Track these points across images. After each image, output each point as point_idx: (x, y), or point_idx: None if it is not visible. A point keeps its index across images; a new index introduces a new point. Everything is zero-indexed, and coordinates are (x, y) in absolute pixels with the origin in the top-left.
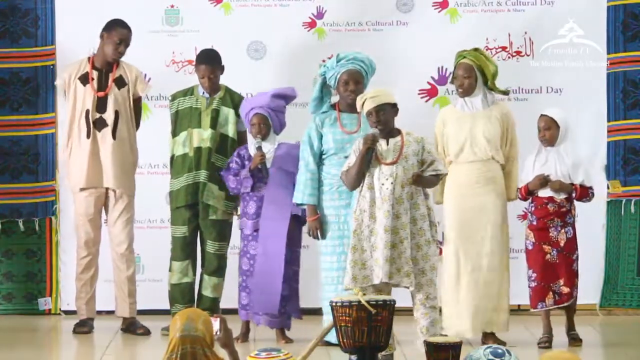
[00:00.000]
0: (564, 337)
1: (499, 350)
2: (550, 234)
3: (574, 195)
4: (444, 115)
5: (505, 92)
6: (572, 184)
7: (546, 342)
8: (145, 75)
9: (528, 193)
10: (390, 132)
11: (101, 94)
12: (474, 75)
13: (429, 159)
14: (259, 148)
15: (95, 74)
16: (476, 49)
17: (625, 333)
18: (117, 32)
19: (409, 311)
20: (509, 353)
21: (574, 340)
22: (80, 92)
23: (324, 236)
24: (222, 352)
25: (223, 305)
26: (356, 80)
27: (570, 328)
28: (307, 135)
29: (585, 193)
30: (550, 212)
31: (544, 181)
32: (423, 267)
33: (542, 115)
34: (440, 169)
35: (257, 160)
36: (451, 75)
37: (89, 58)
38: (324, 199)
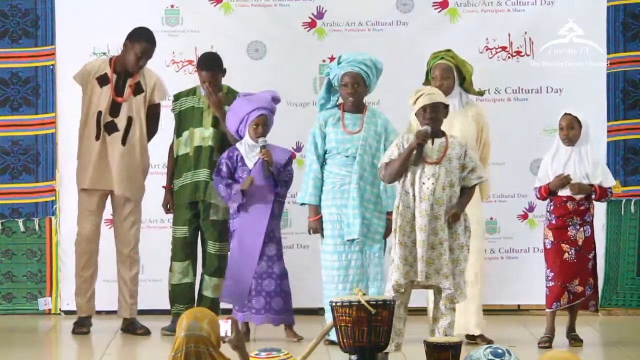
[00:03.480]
0: (565, 337)
1: (499, 350)
2: (569, 233)
3: (593, 196)
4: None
5: (481, 93)
6: (592, 185)
7: (546, 342)
8: None
9: (549, 193)
10: (436, 132)
11: (120, 99)
12: (452, 75)
13: (470, 165)
14: (264, 147)
15: (114, 77)
16: (449, 50)
17: (625, 333)
18: (140, 45)
19: (419, 311)
20: (509, 353)
21: (575, 340)
22: (96, 93)
23: (322, 235)
24: (231, 354)
25: (223, 305)
26: (355, 82)
27: (571, 329)
28: (312, 134)
29: (604, 193)
30: (570, 210)
31: (565, 182)
32: (452, 270)
33: (565, 114)
34: (483, 175)
35: (247, 184)
36: (425, 77)
37: (110, 59)
38: (325, 197)
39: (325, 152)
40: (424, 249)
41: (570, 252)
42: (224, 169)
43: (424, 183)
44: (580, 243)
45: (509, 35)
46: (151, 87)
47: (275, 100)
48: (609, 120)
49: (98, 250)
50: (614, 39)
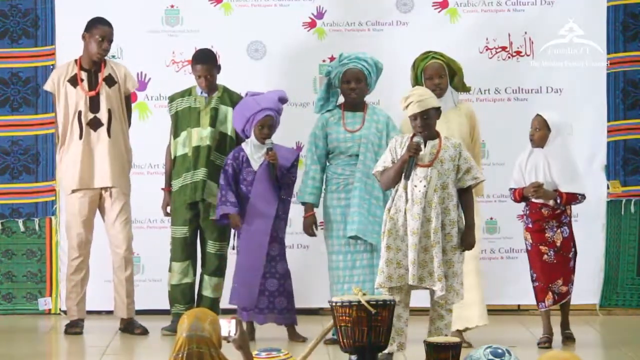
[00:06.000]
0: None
1: (499, 350)
2: (546, 235)
3: (559, 201)
4: None
5: (468, 89)
6: (557, 191)
7: (546, 342)
8: (145, 75)
9: (522, 198)
10: (429, 134)
11: (92, 93)
12: (445, 74)
13: (464, 167)
14: (271, 149)
15: (84, 75)
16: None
17: (625, 333)
18: (98, 29)
19: (418, 311)
20: (509, 353)
21: (567, 339)
22: (71, 95)
23: (313, 234)
24: (234, 353)
25: (223, 305)
26: (357, 79)
27: (565, 326)
28: (312, 134)
29: (572, 198)
30: (545, 215)
31: (537, 191)
32: (446, 272)
33: (536, 114)
34: (479, 176)
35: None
36: (415, 79)
37: (75, 60)
38: (330, 197)
39: (327, 153)
40: (416, 252)
41: (549, 254)
42: (230, 170)
43: (415, 186)
44: (558, 244)
45: (509, 35)
46: (122, 78)
47: (282, 100)
48: (609, 121)
49: (89, 254)
50: (614, 39)
